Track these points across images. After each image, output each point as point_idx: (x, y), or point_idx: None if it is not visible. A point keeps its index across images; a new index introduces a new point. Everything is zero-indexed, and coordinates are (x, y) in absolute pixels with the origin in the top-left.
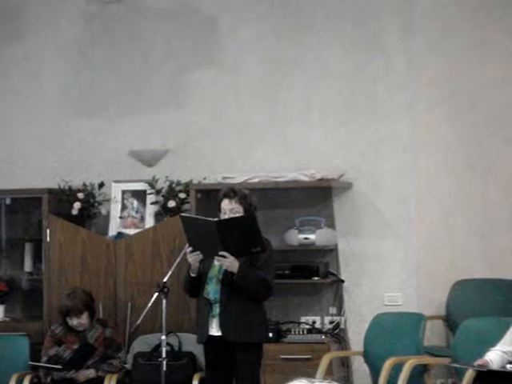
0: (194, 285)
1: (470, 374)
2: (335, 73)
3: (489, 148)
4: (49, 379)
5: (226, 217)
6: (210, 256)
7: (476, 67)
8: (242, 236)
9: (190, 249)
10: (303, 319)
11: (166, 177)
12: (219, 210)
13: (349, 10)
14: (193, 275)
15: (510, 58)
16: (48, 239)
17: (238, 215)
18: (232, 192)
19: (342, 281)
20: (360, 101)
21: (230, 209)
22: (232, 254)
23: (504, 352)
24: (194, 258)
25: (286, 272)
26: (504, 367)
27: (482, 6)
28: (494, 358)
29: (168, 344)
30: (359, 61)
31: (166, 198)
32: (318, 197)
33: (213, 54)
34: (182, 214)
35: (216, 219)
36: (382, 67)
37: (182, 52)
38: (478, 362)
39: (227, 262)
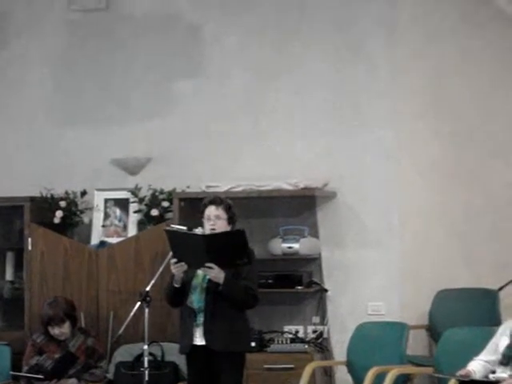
0: (178, 295)
1: None
2: (319, 81)
3: (472, 158)
4: None
5: (211, 223)
6: (195, 267)
7: (460, 76)
8: (230, 250)
9: (175, 260)
10: (286, 328)
11: (149, 185)
12: (202, 217)
13: (333, 19)
14: (176, 286)
15: (494, 68)
16: (30, 248)
17: (222, 222)
18: (219, 199)
19: (326, 290)
20: (344, 109)
21: (215, 215)
22: (218, 266)
23: (487, 361)
24: (178, 269)
25: (270, 281)
26: (487, 377)
27: (467, 14)
28: (476, 367)
29: (150, 354)
30: (343, 69)
31: (149, 207)
32: (301, 206)
33: (197, 62)
34: (167, 228)
35: (202, 233)
36: (366, 76)
37: (166, 61)
38: (461, 372)
39: (213, 273)
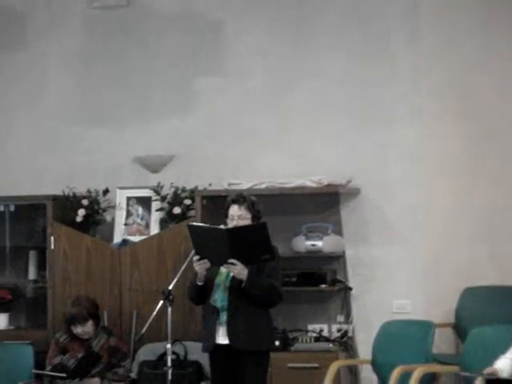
0: (201, 293)
1: (479, 383)
2: (342, 79)
3: (496, 155)
4: None
5: (234, 223)
6: (218, 264)
7: (484, 73)
8: (252, 244)
9: (197, 257)
10: (310, 327)
11: (171, 183)
12: (226, 216)
13: (355, 17)
14: (200, 284)
15: None
16: (52, 247)
17: (245, 222)
18: (241, 198)
19: (350, 288)
20: (367, 106)
21: (238, 215)
22: (241, 262)
23: None
24: (201, 267)
25: (293, 279)
26: None
27: (490, 12)
28: (503, 366)
29: (174, 353)
30: (366, 66)
31: (172, 205)
32: (325, 203)
33: (218, 60)
34: (190, 223)
35: (225, 227)
36: (389, 73)
37: (188, 58)
38: (488, 370)
39: (236, 270)
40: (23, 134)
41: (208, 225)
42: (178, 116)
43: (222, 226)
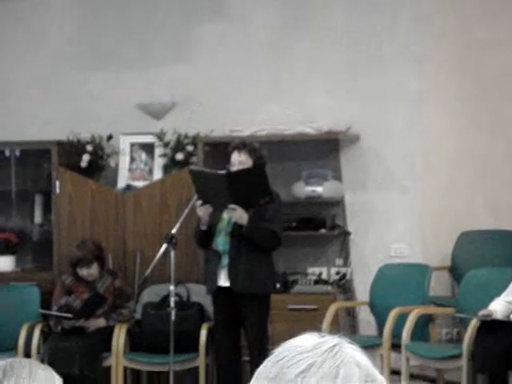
0: (205, 237)
1: (474, 324)
2: (343, 27)
3: (496, 103)
4: (59, 328)
5: (235, 169)
6: (219, 208)
7: (486, 22)
8: (251, 187)
9: (200, 202)
10: (310, 270)
11: (174, 129)
12: (229, 163)
13: None
14: (203, 228)
15: None
16: (57, 191)
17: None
18: (242, 145)
19: (349, 233)
20: (367, 54)
21: (238, 161)
22: (241, 206)
23: (508, 302)
24: (203, 212)
25: (293, 224)
26: (508, 317)
27: None
28: (498, 308)
29: (177, 294)
30: (367, 15)
31: (174, 151)
32: (324, 149)
33: (220, 6)
34: (192, 168)
35: (224, 172)
36: (389, 21)
37: (190, 4)
38: (483, 312)
39: (237, 215)
40: (27, 80)
41: (209, 169)
42: (180, 63)
43: (221, 171)
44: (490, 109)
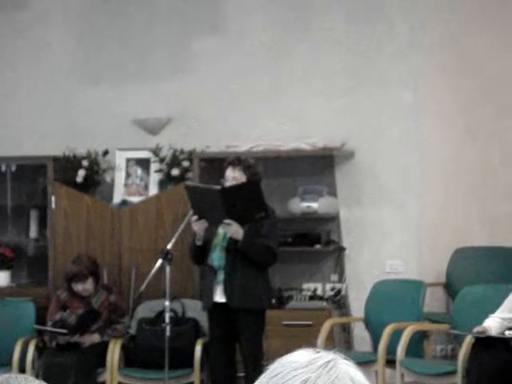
0: (200, 253)
1: (469, 340)
2: (338, 40)
3: (490, 115)
4: (54, 343)
5: (229, 184)
6: (214, 224)
7: (480, 33)
8: (246, 202)
9: (196, 217)
10: (305, 286)
11: (170, 145)
12: (223, 178)
13: None
14: (199, 244)
15: None
16: (53, 206)
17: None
18: (237, 160)
19: (344, 248)
20: (362, 69)
21: (232, 177)
22: (236, 221)
23: (503, 319)
24: (199, 227)
25: (289, 240)
26: (503, 334)
27: None
28: (492, 324)
29: (172, 310)
30: (362, 28)
31: (170, 167)
32: (320, 165)
33: (217, 20)
34: (187, 183)
35: (219, 187)
36: (385, 34)
37: (186, 19)
38: (477, 328)
39: (232, 230)
40: (24, 95)
41: (204, 185)
42: (176, 78)
43: (216, 186)
44: (485, 120)
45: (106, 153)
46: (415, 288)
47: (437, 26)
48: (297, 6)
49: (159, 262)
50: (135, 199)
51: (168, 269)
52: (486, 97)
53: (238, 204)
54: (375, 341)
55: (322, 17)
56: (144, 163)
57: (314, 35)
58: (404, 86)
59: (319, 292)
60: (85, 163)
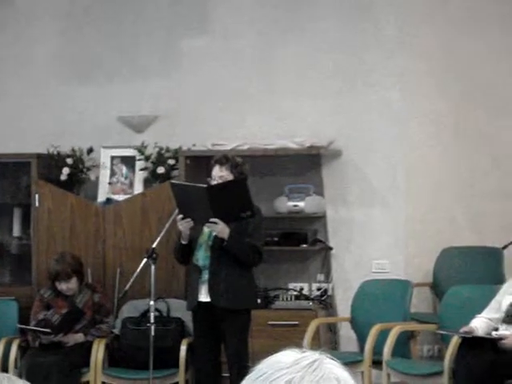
0: (185, 252)
1: (455, 341)
2: (327, 41)
3: (480, 118)
4: (37, 343)
5: (215, 183)
6: (200, 222)
7: (469, 35)
8: (232, 201)
9: (181, 216)
10: (291, 286)
11: (156, 143)
12: (210, 176)
13: None
14: (184, 243)
15: (502, 29)
16: (37, 204)
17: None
18: (224, 159)
19: (330, 248)
20: (351, 69)
21: (219, 176)
22: (222, 220)
23: (489, 319)
24: (184, 226)
25: (275, 239)
26: (489, 334)
27: None
28: (479, 324)
29: (156, 309)
30: (351, 29)
31: (155, 165)
32: (307, 164)
33: (205, 19)
34: (173, 181)
35: (206, 185)
36: (374, 36)
37: (174, 17)
38: (464, 328)
39: (218, 229)
40: (9, 93)
41: (190, 183)
42: (163, 76)
43: (202, 185)
44: (472, 122)
45: (90, 150)
46: (402, 288)
47: (425, 27)
48: (285, 6)
49: (144, 261)
50: (120, 197)
51: (153, 268)
52: (474, 98)
53: (224, 202)
54: (361, 341)
55: (311, 17)
56: (129, 161)
57: (302, 36)
58: (392, 87)
59: (305, 292)
60: (69, 161)
